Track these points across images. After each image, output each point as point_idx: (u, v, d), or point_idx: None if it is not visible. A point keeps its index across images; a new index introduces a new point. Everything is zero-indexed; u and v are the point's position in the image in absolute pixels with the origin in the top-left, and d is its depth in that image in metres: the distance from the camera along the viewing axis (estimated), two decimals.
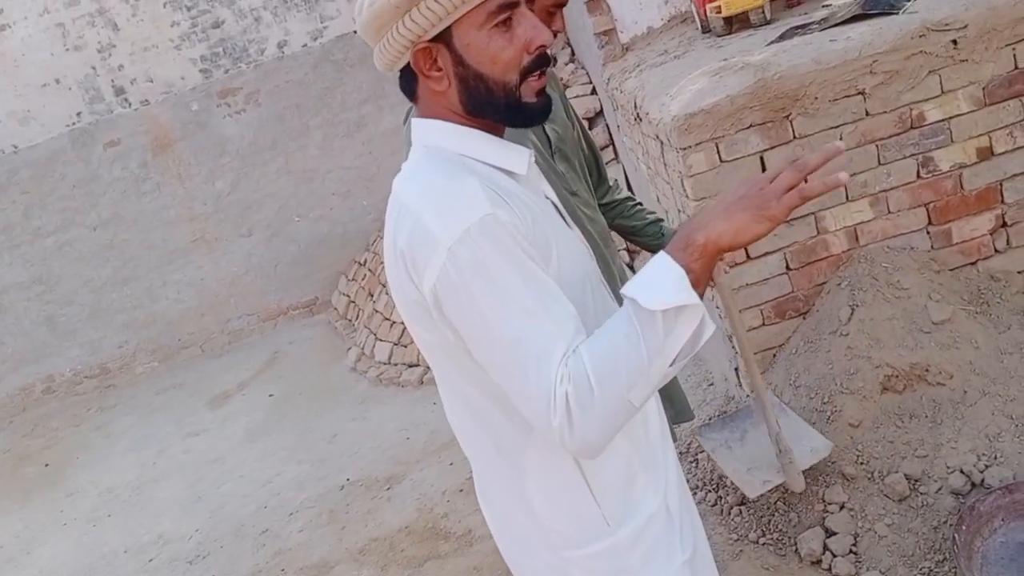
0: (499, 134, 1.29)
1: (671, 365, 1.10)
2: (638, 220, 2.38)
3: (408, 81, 1.29)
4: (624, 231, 2.42)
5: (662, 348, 1.08)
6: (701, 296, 1.10)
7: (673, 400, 2.31)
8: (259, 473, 4.65)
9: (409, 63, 1.24)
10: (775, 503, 2.73)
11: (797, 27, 3.24)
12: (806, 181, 1.10)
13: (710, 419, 2.66)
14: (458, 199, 1.16)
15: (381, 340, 5.59)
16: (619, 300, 1.20)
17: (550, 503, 1.29)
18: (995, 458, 2.47)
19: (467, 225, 1.13)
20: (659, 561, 1.33)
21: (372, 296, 6.14)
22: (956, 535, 2.28)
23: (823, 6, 3.39)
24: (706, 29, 3.82)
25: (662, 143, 3.11)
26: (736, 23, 3.68)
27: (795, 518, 2.66)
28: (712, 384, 3.51)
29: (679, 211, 3.22)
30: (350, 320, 6.51)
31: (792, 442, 2.48)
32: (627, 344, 1.08)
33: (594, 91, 4.64)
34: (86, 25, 6.67)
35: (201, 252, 7.11)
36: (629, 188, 4.51)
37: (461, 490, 3.76)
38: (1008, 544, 2.28)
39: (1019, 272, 2.93)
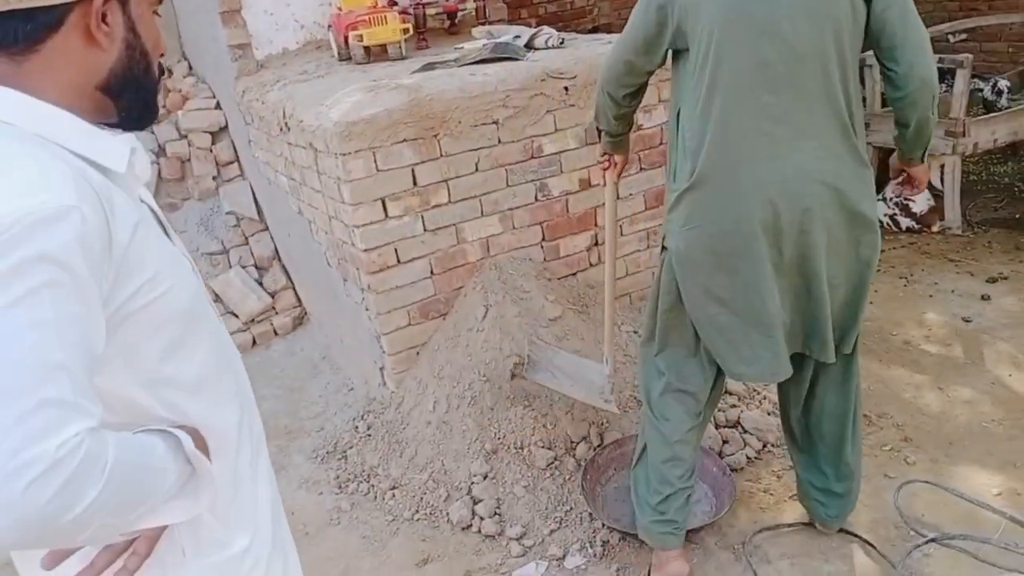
0: None
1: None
2: None
3: (30, 30, 0.96)
4: None
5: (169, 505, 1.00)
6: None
7: (824, 338, 2.20)
8: None
9: (60, 7, 0.97)
10: (425, 482, 2.98)
11: (435, 63, 3.64)
12: None
13: (523, 363, 3.06)
14: (33, 176, 0.88)
15: None
16: None
17: None
18: (604, 425, 3.01)
19: (37, 209, 0.85)
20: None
21: None
22: (583, 483, 2.73)
23: (454, 48, 3.84)
24: (344, 57, 4.06)
25: (316, 150, 3.24)
26: (374, 55, 3.98)
27: (444, 492, 2.93)
28: (352, 389, 3.67)
29: (330, 217, 3.37)
30: None
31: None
32: (154, 475, 0.95)
33: (218, 105, 4.58)
34: None
35: None
36: (257, 205, 4.51)
37: None
38: (621, 488, 2.80)
39: None
